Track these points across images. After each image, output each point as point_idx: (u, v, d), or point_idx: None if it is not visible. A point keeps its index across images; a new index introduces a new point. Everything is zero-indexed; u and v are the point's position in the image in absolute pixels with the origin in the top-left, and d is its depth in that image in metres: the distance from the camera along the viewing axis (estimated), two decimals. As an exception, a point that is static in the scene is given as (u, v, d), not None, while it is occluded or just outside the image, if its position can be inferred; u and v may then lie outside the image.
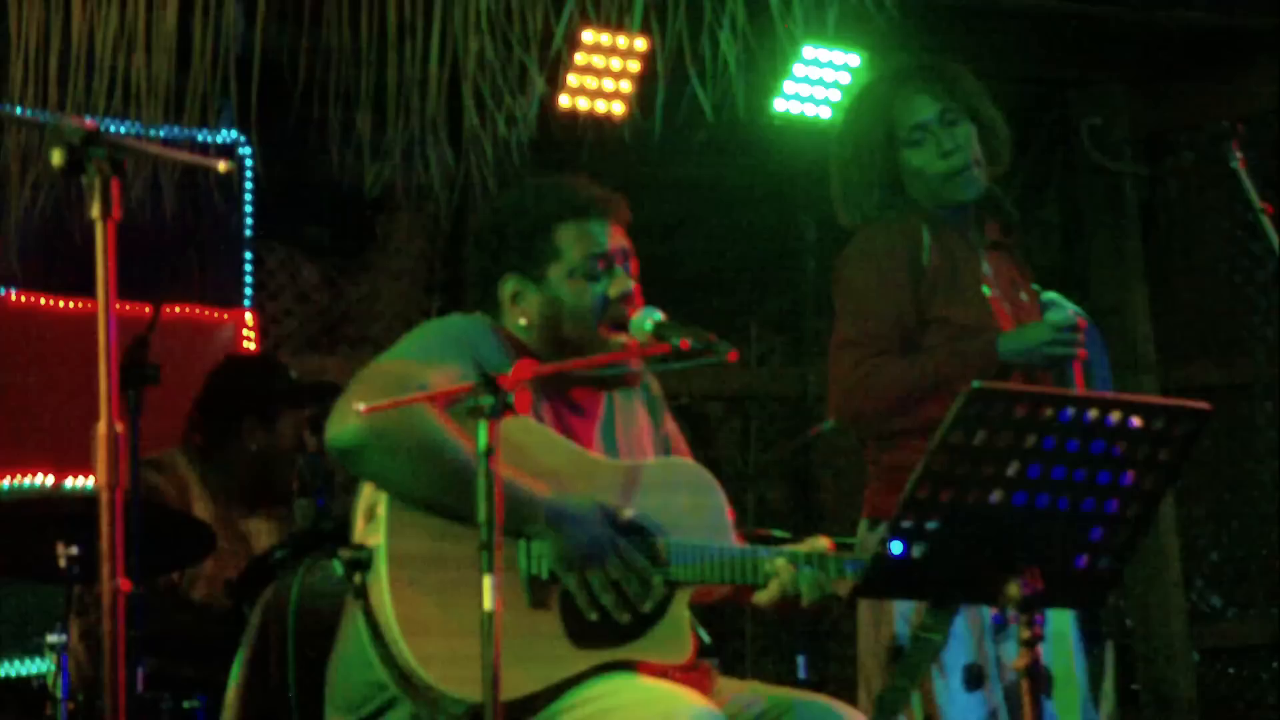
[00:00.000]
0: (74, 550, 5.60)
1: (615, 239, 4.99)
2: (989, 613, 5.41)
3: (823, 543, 4.88)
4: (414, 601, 4.55)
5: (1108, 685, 5.80)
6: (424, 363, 4.72)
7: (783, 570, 4.76)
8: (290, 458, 6.72)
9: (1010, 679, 5.46)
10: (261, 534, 6.70)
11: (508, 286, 4.98)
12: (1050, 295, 5.71)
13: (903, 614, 5.47)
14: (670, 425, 5.22)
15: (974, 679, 5.44)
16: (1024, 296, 5.76)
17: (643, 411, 5.15)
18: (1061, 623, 5.60)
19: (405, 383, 4.60)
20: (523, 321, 4.95)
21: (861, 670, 5.65)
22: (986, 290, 5.68)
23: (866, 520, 5.63)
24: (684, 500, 4.90)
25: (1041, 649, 5.51)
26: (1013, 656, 5.43)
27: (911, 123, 5.73)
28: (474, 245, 5.23)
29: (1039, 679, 4.20)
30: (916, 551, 4.20)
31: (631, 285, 4.94)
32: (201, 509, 6.61)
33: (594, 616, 4.68)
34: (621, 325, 4.91)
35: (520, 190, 5.27)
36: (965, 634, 5.46)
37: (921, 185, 5.72)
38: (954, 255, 5.67)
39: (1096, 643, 5.84)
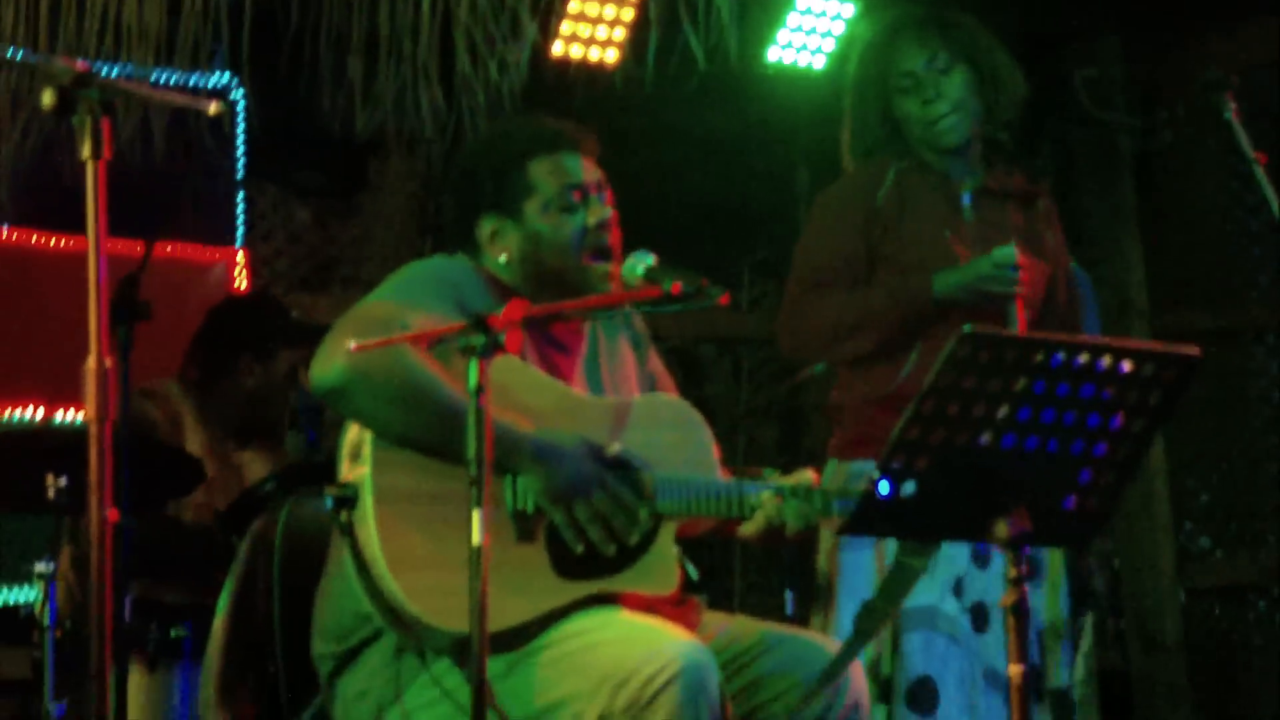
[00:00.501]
0: (63, 482, 5.61)
1: (589, 170, 5.00)
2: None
3: (808, 475, 4.89)
4: (400, 537, 4.56)
5: (1083, 653, 5.83)
6: (407, 304, 4.72)
7: (768, 502, 4.78)
8: (284, 394, 6.74)
9: (985, 600, 5.53)
10: (254, 465, 6.71)
11: (485, 226, 4.98)
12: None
13: (825, 550, 5.57)
14: (656, 363, 5.23)
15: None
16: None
17: (628, 349, 5.16)
18: (1055, 573, 5.64)
19: (389, 324, 4.59)
20: (503, 259, 4.95)
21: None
22: (947, 233, 5.70)
23: (833, 461, 5.71)
24: (669, 436, 4.91)
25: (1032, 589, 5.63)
26: (991, 585, 5.51)
27: (902, 70, 5.79)
28: (448, 189, 5.24)
29: (1024, 616, 4.21)
30: (906, 491, 4.21)
31: (610, 213, 4.96)
32: (194, 439, 6.64)
33: (580, 550, 4.69)
34: (603, 253, 4.92)
35: (490, 131, 5.31)
36: (871, 566, 5.56)
37: (910, 130, 5.78)
38: (916, 196, 5.71)
39: (1081, 606, 5.86)
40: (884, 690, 5.48)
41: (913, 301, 5.61)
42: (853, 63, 6.02)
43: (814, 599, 5.67)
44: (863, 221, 5.69)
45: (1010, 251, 5.59)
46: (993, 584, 5.52)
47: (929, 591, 5.45)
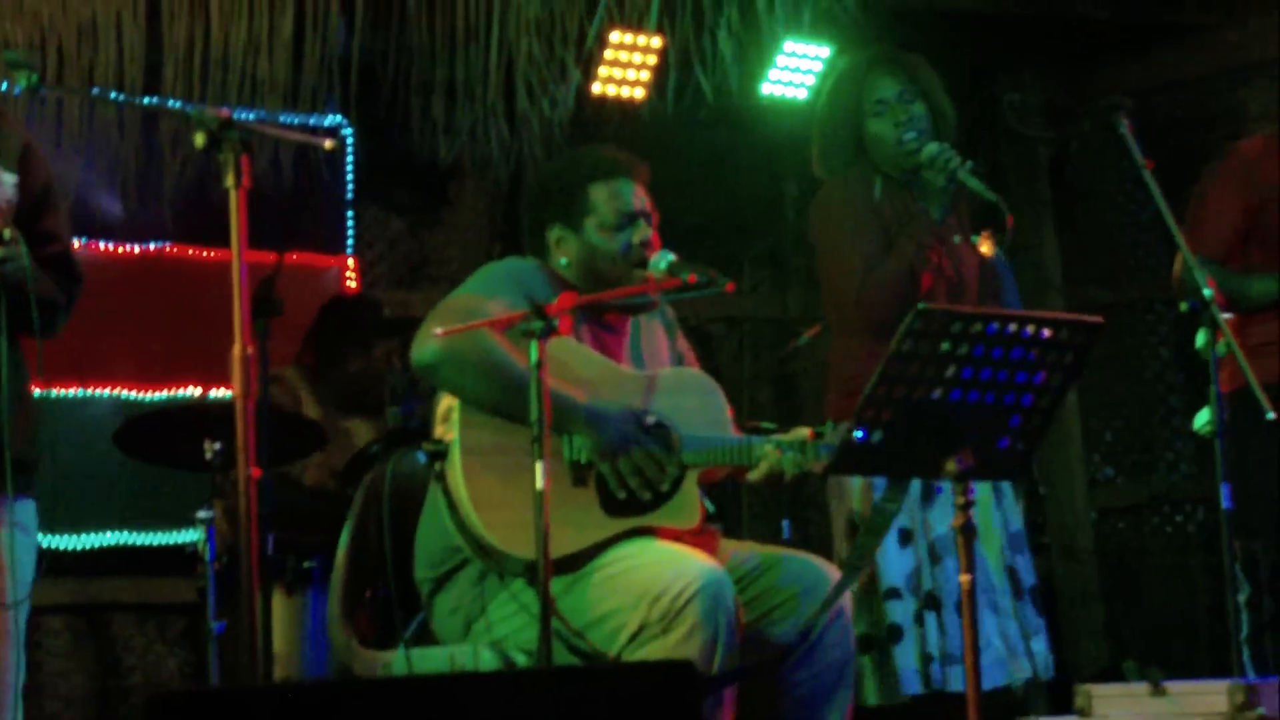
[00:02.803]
0: (217, 446, 5.62)
1: (639, 198, 4.99)
2: (918, 485, 5.42)
3: (803, 432, 4.88)
4: (481, 482, 4.57)
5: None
6: (486, 296, 4.73)
7: (770, 454, 4.77)
8: (382, 375, 6.74)
9: (934, 536, 5.48)
10: (360, 433, 6.71)
11: (553, 234, 4.98)
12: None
13: (857, 494, 5.50)
14: (682, 342, 5.23)
15: (904, 538, 5.47)
16: (957, 239, 5.71)
17: (661, 331, 5.16)
18: (983, 490, 5.60)
19: (471, 313, 4.62)
20: (564, 261, 4.96)
21: (834, 535, 5.67)
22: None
23: (830, 421, 5.62)
24: (692, 401, 4.92)
25: (995, 508, 5.60)
26: (937, 519, 5.47)
27: (876, 97, 5.71)
28: (526, 201, 5.25)
29: (970, 533, 4.21)
30: (875, 437, 4.20)
31: (650, 234, 4.95)
32: (310, 412, 6.63)
33: (622, 495, 4.70)
34: (642, 265, 4.91)
35: (562, 157, 5.29)
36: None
37: (879, 150, 5.70)
38: (901, 200, 5.65)
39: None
40: (929, 601, 5.43)
41: (920, 234, 5.53)
42: (827, 90, 5.94)
43: (849, 532, 5.57)
44: (874, 211, 5.61)
45: (932, 146, 5.55)
46: (940, 517, 5.48)
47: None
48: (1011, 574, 5.56)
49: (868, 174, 5.67)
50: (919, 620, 5.40)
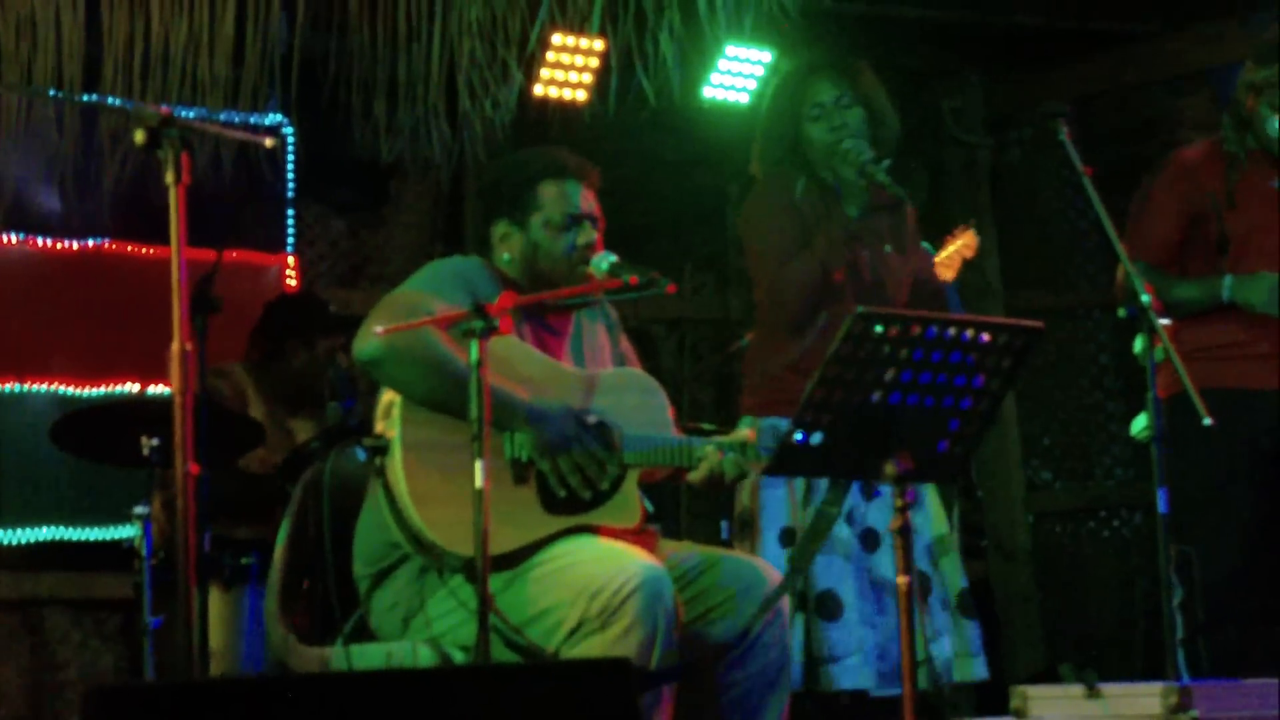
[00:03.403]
0: (155, 442, 5.59)
1: (586, 200, 5.00)
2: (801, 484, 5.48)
3: (744, 433, 4.90)
4: (422, 479, 4.58)
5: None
6: (429, 294, 4.74)
7: (711, 455, 4.79)
8: (324, 371, 6.72)
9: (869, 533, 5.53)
10: (302, 430, 6.69)
11: (499, 229, 4.99)
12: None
13: (748, 490, 5.55)
14: (625, 343, 5.24)
15: (787, 538, 5.50)
16: (888, 249, 5.74)
17: (603, 332, 5.17)
18: (932, 499, 5.65)
19: (414, 310, 4.63)
20: (507, 256, 4.96)
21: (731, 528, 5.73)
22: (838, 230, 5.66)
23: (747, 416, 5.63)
24: (633, 400, 4.93)
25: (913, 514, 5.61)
26: (873, 517, 5.51)
27: (814, 101, 5.72)
28: (476, 194, 5.26)
29: (909, 535, 4.22)
30: (815, 439, 4.21)
31: (594, 237, 4.96)
32: (256, 409, 6.61)
33: (562, 493, 4.70)
34: (584, 264, 4.92)
35: (517, 153, 5.30)
36: (785, 501, 5.54)
37: (812, 152, 5.72)
38: (823, 201, 5.66)
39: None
40: (800, 602, 5.46)
41: (833, 233, 5.55)
42: (769, 92, 5.97)
43: (739, 529, 5.64)
44: (793, 209, 5.64)
45: (849, 141, 5.59)
46: (880, 513, 5.51)
47: None
48: (922, 579, 5.58)
49: (792, 174, 5.70)
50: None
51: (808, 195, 5.67)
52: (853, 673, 5.44)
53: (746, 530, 5.61)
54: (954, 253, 5.92)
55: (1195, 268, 6.04)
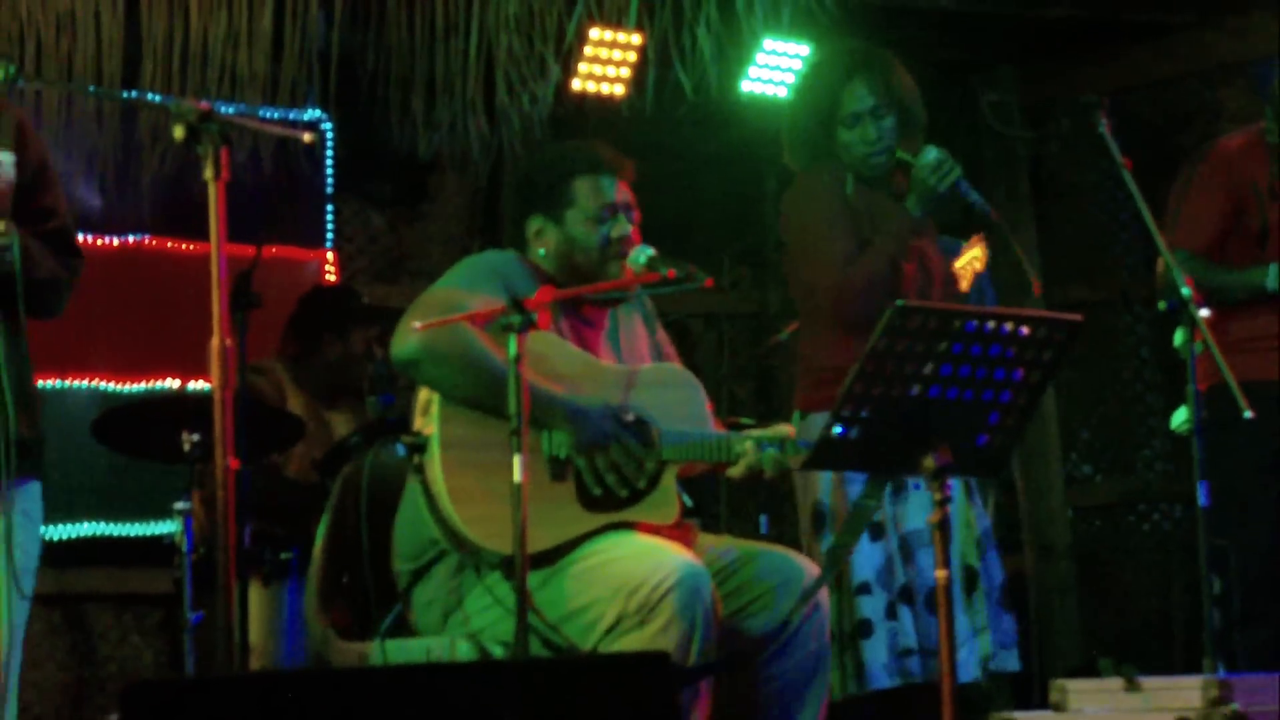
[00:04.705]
0: (195, 437, 5.59)
1: (621, 193, 4.98)
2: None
3: (783, 428, 4.89)
4: (460, 476, 4.58)
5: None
6: (466, 290, 4.73)
7: (750, 451, 4.77)
8: (361, 364, 6.73)
9: (905, 531, 5.47)
10: (340, 424, 6.70)
11: (533, 224, 4.98)
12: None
13: (824, 487, 5.48)
14: (661, 335, 5.22)
15: (875, 533, 5.45)
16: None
17: (640, 324, 5.15)
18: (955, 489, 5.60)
19: (451, 307, 4.61)
20: (542, 251, 4.95)
21: (801, 527, 5.65)
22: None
23: (798, 412, 5.60)
24: (672, 396, 4.91)
25: (970, 508, 5.59)
26: (909, 514, 5.46)
27: (851, 110, 5.64)
28: (511, 190, 5.25)
29: (947, 529, 4.21)
30: (853, 433, 4.20)
31: (630, 230, 4.94)
32: (294, 403, 6.63)
33: (599, 491, 4.70)
34: (620, 259, 4.92)
35: (550, 148, 5.29)
36: None
37: (848, 155, 5.67)
38: (874, 197, 5.63)
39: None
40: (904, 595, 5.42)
41: (902, 230, 5.50)
42: (806, 88, 5.91)
43: (814, 524, 5.55)
44: (846, 208, 5.59)
45: (933, 151, 5.54)
46: (913, 513, 5.46)
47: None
48: (969, 573, 5.55)
49: (839, 170, 5.66)
50: (891, 614, 5.39)
51: (858, 192, 5.62)
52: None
53: (832, 525, 5.49)
54: (966, 264, 5.86)
55: (1235, 259, 6.01)
